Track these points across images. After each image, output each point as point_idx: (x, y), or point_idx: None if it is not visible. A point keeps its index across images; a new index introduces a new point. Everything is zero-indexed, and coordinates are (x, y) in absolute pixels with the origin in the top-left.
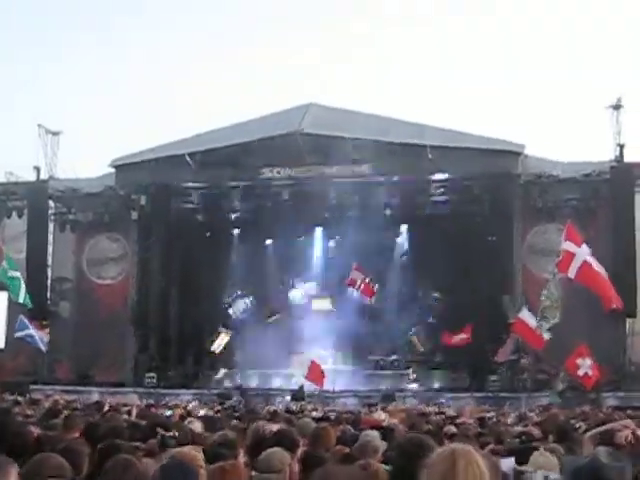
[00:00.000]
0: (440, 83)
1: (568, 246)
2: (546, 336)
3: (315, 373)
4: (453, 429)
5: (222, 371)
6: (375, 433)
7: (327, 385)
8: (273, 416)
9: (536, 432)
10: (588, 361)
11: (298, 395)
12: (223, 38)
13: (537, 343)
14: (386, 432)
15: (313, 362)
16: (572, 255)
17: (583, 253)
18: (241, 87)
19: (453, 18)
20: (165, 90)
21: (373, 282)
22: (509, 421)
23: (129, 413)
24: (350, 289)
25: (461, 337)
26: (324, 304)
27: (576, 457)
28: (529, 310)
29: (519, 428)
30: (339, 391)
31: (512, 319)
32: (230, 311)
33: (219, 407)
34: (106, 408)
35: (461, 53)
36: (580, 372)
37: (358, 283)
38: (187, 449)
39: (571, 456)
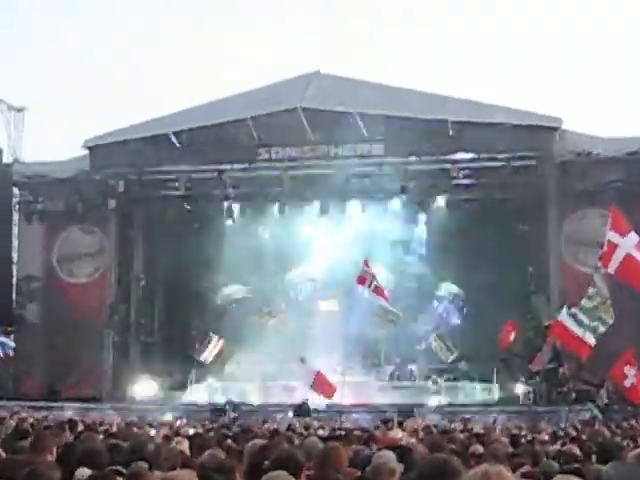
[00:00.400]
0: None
1: (612, 237)
2: (592, 341)
3: (323, 385)
4: (480, 449)
5: (214, 383)
6: (391, 454)
7: (336, 398)
8: (272, 435)
9: (577, 452)
10: (634, 370)
11: (302, 411)
12: (216, 24)
13: (581, 350)
14: (403, 452)
15: (319, 373)
16: (614, 247)
17: (628, 244)
18: (236, 60)
19: (453, 18)
20: (147, 59)
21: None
22: (545, 439)
23: (107, 433)
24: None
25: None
26: (330, 305)
27: (623, 466)
28: (569, 310)
29: (557, 447)
30: (349, 405)
31: (548, 321)
32: (222, 314)
33: (211, 425)
34: (80, 427)
35: (461, 53)
36: (627, 382)
37: (368, 281)
38: (179, 475)
39: (618, 464)
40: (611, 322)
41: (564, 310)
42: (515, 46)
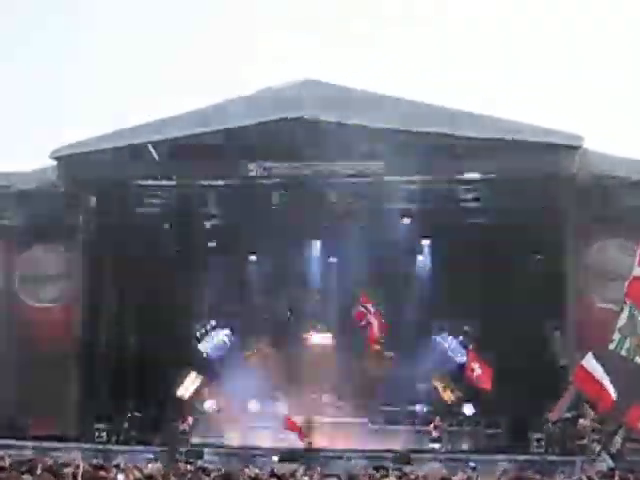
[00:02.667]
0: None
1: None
2: (613, 392)
3: (293, 427)
4: None
5: (191, 422)
6: None
7: (320, 442)
8: None
9: None
10: None
11: (288, 455)
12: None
13: (605, 401)
14: None
15: (288, 419)
16: None
17: None
18: (226, 63)
19: (453, 18)
20: (123, 61)
21: (384, 316)
22: None
23: (74, 477)
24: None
25: (477, 371)
26: (323, 338)
27: None
28: (595, 355)
29: None
30: (340, 450)
31: (564, 361)
32: (201, 346)
33: (188, 468)
34: (40, 469)
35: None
36: None
37: (365, 318)
38: None
39: None
40: None
41: (590, 355)
42: (515, 47)
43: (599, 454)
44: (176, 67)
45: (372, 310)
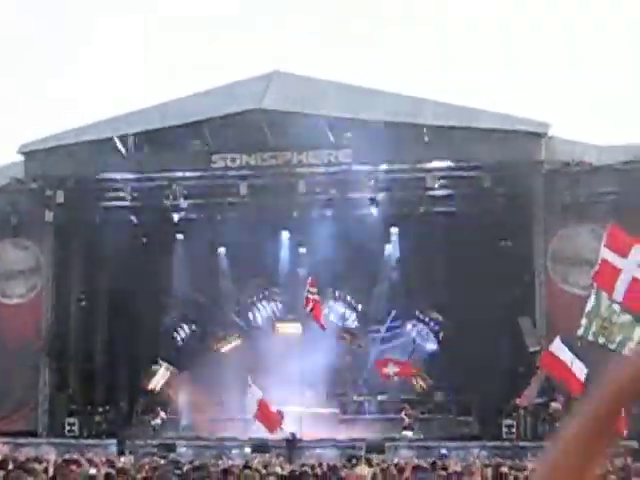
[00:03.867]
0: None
1: (609, 255)
2: (583, 376)
3: (266, 415)
4: None
5: (163, 415)
6: None
7: (288, 431)
8: (225, 475)
9: None
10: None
11: (261, 446)
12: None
13: (574, 385)
14: None
15: (262, 402)
16: (616, 270)
17: (632, 266)
18: (191, 54)
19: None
20: (87, 54)
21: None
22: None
23: (45, 471)
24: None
25: (392, 369)
26: (292, 328)
27: None
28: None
29: None
30: (313, 440)
31: (534, 348)
32: (172, 339)
33: (160, 461)
34: (12, 465)
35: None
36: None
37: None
38: None
39: None
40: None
41: (558, 339)
42: (515, 47)
43: None
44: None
45: (315, 297)
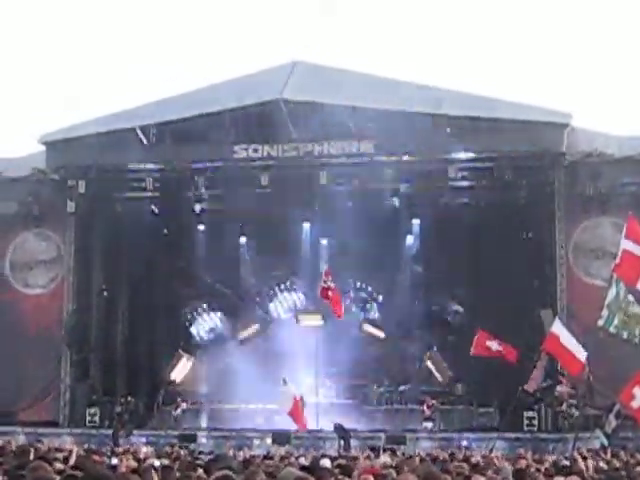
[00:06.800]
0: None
1: (630, 246)
2: (584, 358)
3: (298, 415)
4: None
5: (183, 406)
6: None
7: (313, 425)
8: (246, 464)
9: None
10: None
11: (282, 437)
12: None
13: (573, 367)
14: None
15: (298, 400)
16: (637, 259)
17: None
18: (211, 44)
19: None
20: (110, 45)
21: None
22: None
23: (66, 461)
24: (346, 301)
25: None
26: (314, 320)
27: None
28: (564, 323)
29: (561, 479)
30: (334, 431)
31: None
32: (192, 330)
33: (181, 452)
34: (33, 455)
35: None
36: (634, 404)
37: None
38: None
39: None
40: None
41: (557, 321)
42: (537, 38)
43: (594, 431)
44: (165, 50)
45: (331, 285)
